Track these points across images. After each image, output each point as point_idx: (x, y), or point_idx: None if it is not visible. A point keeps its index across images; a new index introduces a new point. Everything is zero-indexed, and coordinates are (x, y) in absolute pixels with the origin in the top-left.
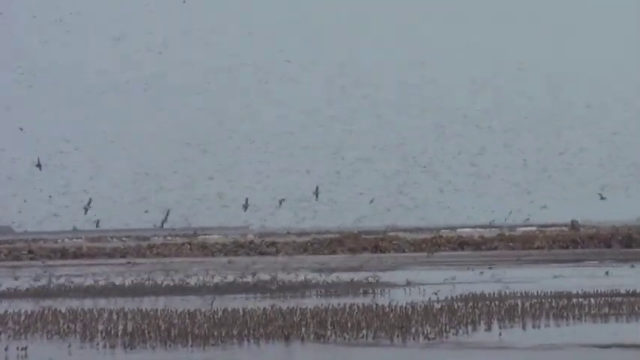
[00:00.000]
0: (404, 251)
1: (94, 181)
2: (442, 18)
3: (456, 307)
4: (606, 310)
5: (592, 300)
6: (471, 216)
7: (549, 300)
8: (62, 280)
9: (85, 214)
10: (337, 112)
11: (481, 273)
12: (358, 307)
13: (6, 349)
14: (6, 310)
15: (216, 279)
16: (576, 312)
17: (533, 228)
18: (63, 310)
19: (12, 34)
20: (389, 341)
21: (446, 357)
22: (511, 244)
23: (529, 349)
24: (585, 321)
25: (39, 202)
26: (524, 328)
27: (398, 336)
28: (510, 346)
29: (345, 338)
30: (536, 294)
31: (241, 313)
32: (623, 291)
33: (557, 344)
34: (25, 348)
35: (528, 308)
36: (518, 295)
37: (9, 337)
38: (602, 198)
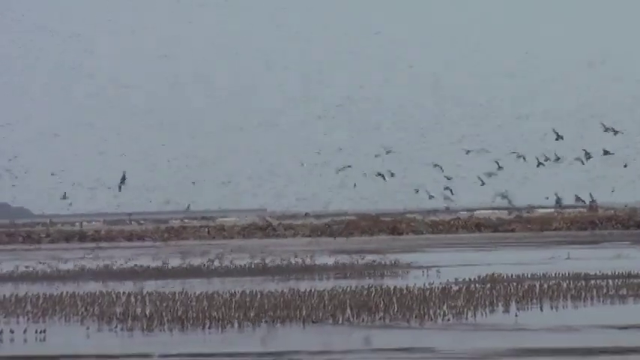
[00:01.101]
0: (422, 233)
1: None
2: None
3: (473, 288)
4: (624, 291)
5: (610, 281)
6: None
7: (567, 281)
8: (80, 263)
9: (120, 190)
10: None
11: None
12: (376, 289)
13: (24, 332)
14: (25, 293)
15: (235, 261)
16: (594, 293)
17: (551, 209)
18: (81, 293)
19: None
20: (406, 323)
21: (463, 338)
22: (529, 225)
23: (546, 331)
24: (603, 302)
25: (61, 185)
26: (541, 309)
27: (416, 318)
28: (527, 328)
29: (362, 320)
30: (553, 275)
31: (259, 295)
32: None
33: (574, 325)
34: (44, 331)
35: (546, 290)
36: (536, 276)
37: (27, 320)
38: None
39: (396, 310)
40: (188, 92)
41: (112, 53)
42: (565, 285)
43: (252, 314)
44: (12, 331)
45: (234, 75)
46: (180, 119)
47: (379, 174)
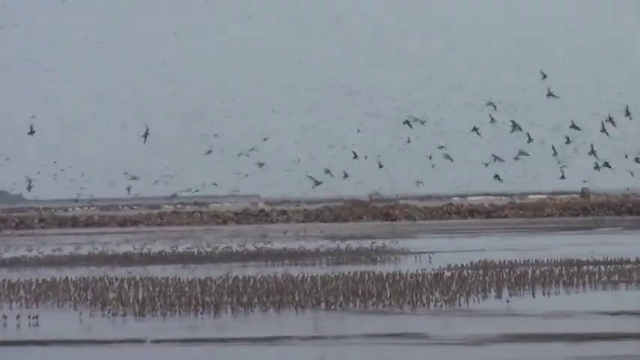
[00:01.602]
0: (415, 219)
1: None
2: None
3: (466, 274)
4: (616, 277)
5: (602, 267)
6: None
7: (559, 267)
8: (74, 249)
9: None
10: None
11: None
12: (369, 274)
13: (17, 318)
14: (18, 279)
15: (228, 247)
16: (586, 279)
17: (544, 196)
18: (74, 279)
19: None
20: (399, 309)
21: (455, 324)
22: (522, 211)
23: (538, 317)
24: (595, 288)
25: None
26: (533, 295)
27: (408, 303)
28: (519, 314)
29: (355, 306)
30: (546, 262)
31: (251, 281)
32: (632, 258)
33: (566, 311)
34: (37, 316)
35: (538, 276)
36: (529, 262)
37: (20, 305)
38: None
39: (388, 295)
40: (188, 90)
41: (112, 53)
42: (557, 271)
43: (244, 300)
44: (5, 317)
45: (235, 73)
46: (180, 114)
47: (406, 121)
